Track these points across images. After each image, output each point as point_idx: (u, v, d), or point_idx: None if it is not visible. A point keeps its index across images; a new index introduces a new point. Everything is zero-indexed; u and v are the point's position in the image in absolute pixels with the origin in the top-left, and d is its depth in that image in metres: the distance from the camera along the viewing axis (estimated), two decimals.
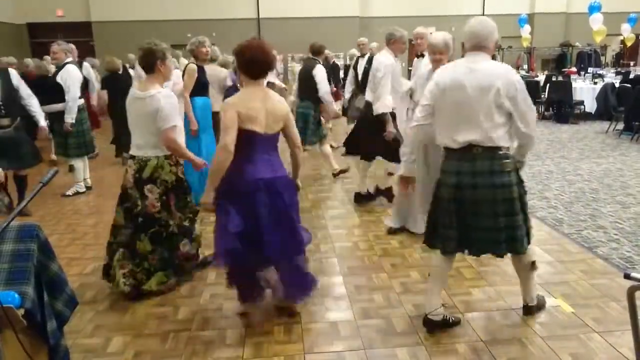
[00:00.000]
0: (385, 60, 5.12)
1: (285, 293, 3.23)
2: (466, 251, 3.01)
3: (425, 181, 3.89)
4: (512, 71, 2.86)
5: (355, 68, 7.84)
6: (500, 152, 2.82)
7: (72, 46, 6.54)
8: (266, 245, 2.94)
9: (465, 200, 2.87)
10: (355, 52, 10.96)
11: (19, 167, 5.43)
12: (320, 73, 6.48)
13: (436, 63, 4.07)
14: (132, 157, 3.55)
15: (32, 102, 5.47)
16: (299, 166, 3.26)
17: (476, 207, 2.86)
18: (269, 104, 2.94)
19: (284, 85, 11.95)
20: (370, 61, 8.05)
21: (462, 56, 2.99)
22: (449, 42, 4.01)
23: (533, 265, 3.12)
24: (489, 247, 2.91)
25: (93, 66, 10.51)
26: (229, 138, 2.84)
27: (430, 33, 5.20)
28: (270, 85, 11.83)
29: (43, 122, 5.61)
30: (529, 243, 2.97)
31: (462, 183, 2.86)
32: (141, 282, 3.57)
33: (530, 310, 3.24)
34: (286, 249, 3.05)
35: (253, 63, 2.92)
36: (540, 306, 3.29)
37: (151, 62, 3.42)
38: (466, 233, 2.91)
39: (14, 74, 5.41)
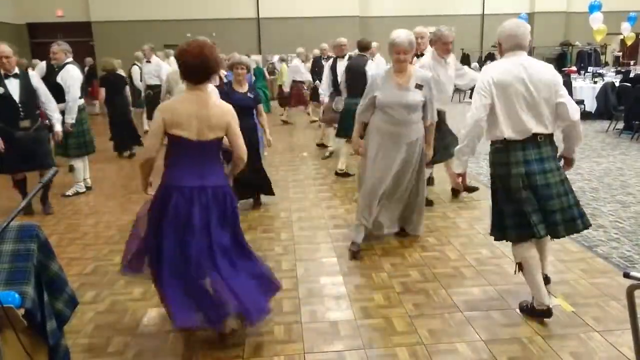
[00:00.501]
0: (424, 61, 5.13)
1: (202, 315, 2.84)
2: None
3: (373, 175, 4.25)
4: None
5: (333, 69, 7.60)
6: (553, 138, 3.17)
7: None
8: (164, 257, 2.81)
9: (537, 186, 3.05)
10: (325, 45, 10.77)
11: (42, 168, 5.39)
12: (372, 69, 6.43)
13: (400, 63, 4.00)
14: None
15: (50, 106, 5.45)
16: (235, 169, 3.06)
17: (548, 190, 3.06)
18: (204, 111, 2.81)
19: (310, 81, 11.57)
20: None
21: (500, 56, 3.23)
22: (412, 41, 4.00)
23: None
24: (571, 227, 3.10)
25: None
26: (149, 142, 2.88)
27: (431, 33, 5.20)
28: (299, 83, 11.60)
29: (59, 127, 5.58)
30: None
31: (531, 170, 3.05)
32: None
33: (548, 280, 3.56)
34: (201, 264, 2.82)
35: (190, 68, 2.81)
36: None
37: None
38: (545, 218, 3.07)
39: (33, 75, 5.37)
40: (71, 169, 6.73)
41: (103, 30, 17.39)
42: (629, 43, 16.64)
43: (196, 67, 2.79)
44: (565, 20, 19.43)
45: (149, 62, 9.36)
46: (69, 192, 6.36)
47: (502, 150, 3.12)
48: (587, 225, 3.14)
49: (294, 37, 17.83)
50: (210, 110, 2.82)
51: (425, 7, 18.68)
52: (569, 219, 3.08)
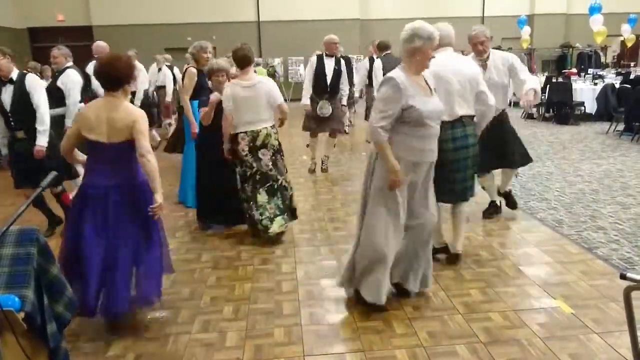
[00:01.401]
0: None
1: (104, 304, 3.09)
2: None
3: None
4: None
5: (320, 69, 6.95)
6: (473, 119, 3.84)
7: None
8: (86, 250, 3.02)
9: (460, 159, 3.73)
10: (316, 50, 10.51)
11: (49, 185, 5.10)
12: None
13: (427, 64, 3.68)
14: (244, 132, 4.47)
15: (39, 116, 4.68)
16: (150, 174, 3.07)
17: (465, 162, 3.76)
18: (112, 115, 3.05)
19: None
20: (338, 62, 7.11)
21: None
22: None
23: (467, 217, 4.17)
24: (465, 194, 3.88)
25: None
26: (63, 142, 3.29)
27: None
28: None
29: (42, 141, 4.70)
30: None
31: (457, 145, 3.70)
32: (267, 228, 4.52)
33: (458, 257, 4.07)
34: (111, 258, 3.07)
35: (99, 76, 3.14)
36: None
37: (248, 61, 4.52)
38: (453, 185, 3.79)
39: (30, 80, 4.74)
40: None
41: (104, 34, 17.35)
42: (629, 45, 16.66)
43: (103, 76, 3.12)
44: (565, 22, 19.44)
45: None
46: (70, 196, 6.36)
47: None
48: (473, 194, 3.99)
49: (295, 40, 17.88)
50: (117, 114, 3.06)
51: (425, 10, 18.68)
52: (470, 187, 3.87)
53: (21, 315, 2.14)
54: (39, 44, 17.44)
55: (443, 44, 3.71)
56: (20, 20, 17.51)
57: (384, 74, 6.54)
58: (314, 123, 7.17)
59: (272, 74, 17.90)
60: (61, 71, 6.07)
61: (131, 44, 15.65)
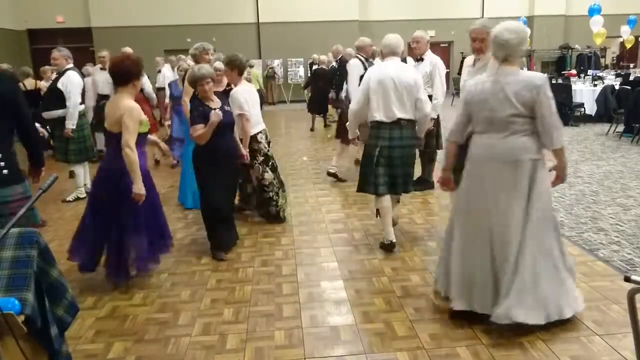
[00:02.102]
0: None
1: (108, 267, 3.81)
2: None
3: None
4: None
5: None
6: (415, 124, 4.28)
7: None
8: (86, 221, 3.78)
9: (394, 157, 4.19)
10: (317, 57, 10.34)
11: None
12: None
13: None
14: (260, 131, 5.04)
15: None
16: (128, 166, 3.52)
17: (402, 160, 4.22)
18: (113, 108, 3.60)
19: None
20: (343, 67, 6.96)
21: (382, 59, 4.37)
22: None
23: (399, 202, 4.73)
24: (405, 187, 4.34)
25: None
26: None
27: (430, 37, 5.20)
28: None
29: None
30: None
31: (394, 144, 4.17)
32: (282, 207, 5.31)
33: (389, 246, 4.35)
34: (103, 230, 3.72)
35: (109, 74, 3.76)
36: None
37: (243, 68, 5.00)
38: (393, 179, 4.25)
39: None
40: (71, 174, 6.73)
41: (103, 36, 17.40)
42: (628, 46, 16.69)
43: (113, 74, 3.67)
44: (564, 23, 19.47)
45: (103, 69, 7.90)
46: (70, 198, 6.36)
47: (375, 128, 4.22)
48: (410, 189, 4.44)
49: (294, 42, 17.89)
50: (116, 109, 3.55)
51: (424, 11, 18.73)
52: (406, 182, 4.31)
53: (21, 318, 2.12)
54: (38, 45, 17.43)
55: (386, 53, 4.25)
56: (20, 22, 17.50)
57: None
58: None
59: (271, 76, 17.94)
60: (62, 73, 6.07)
61: (131, 45, 15.58)
